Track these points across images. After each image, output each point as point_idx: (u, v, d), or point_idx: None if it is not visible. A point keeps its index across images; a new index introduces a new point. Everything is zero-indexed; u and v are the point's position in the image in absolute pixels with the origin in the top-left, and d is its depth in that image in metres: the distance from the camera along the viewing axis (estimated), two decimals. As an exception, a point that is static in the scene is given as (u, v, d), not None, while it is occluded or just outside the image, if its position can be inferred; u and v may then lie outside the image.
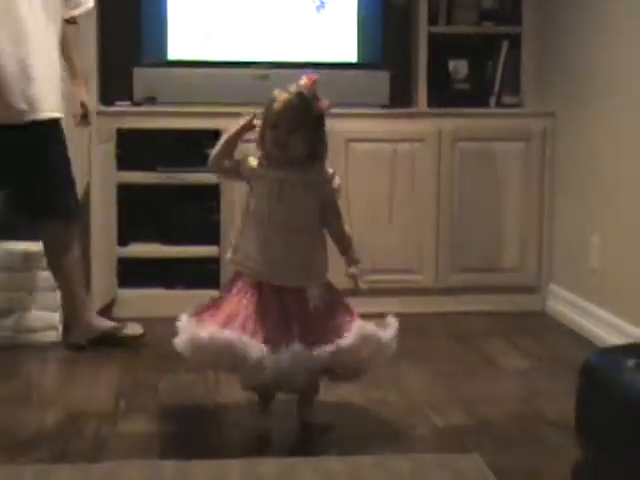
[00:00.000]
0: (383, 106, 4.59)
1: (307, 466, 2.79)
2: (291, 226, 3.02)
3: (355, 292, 3.06)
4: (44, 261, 3.93)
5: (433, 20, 4.65)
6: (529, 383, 3.61)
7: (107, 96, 4.47)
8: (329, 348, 2.93)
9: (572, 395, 2.14)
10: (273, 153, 3.01)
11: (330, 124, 4.40)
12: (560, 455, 2.84)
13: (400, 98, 4.69)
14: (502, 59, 4.74)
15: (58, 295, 3.98)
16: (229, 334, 2.89)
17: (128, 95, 4.46)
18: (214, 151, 3.09)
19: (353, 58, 4.64)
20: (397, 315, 4.35)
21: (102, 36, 4.50)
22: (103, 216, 4.16)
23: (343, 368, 2.99)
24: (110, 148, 4.27)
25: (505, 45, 4.73)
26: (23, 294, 4.00)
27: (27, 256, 4.00)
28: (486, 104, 4.74)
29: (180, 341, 2.97)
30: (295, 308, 2.98)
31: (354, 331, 2.98)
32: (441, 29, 4.69)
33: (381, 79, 4.61)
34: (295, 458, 2.85)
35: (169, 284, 4.42)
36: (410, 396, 3.43)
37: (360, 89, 4.59)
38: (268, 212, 3.00)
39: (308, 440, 3.05)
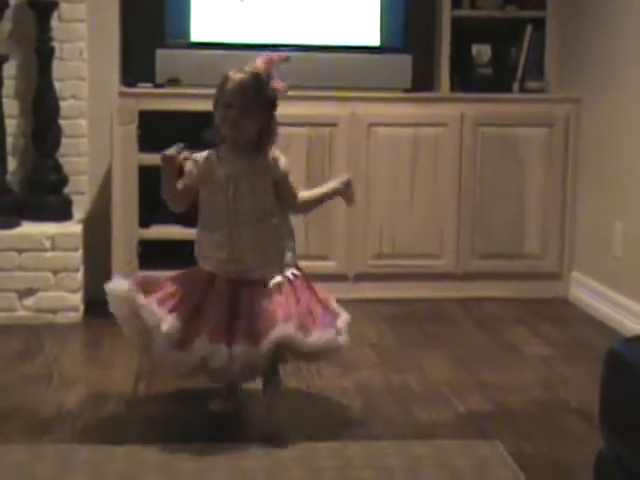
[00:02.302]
0: (405, 90, 4.56)
1: (326, 451, 2.80)
2: (258, 215, 2.99)
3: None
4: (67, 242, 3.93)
5: (457, 4, 4.62)
6: (551, 371, 3.59)
7: (129, 78, 4.47)
8: (268, 339, 2.84)
9: (595, 384, 2.12)
10: (226, 132, 2.99)
11: (352, 108, 4.46)
12: (582, 444, 2.84)
13: (422, 82, 4.66)
14: (526, 44, 4.71)
15: (80, 276, 3.99)
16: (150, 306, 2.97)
17: (150, 77, 4.45)
18: (170, 202, 3.18)
19: (376, 42, 4.61)
20: (418, 300, 4.41)
21: (125, 18, 4.49)
22: (125, 198, 4.16)
23: (296, 353, 2.93)
24: (132, 130, 4.26)
25: (529, 29, 4.70)
26: (46, 275, 4.02)
27: (51, 237, 4.02)
28: (509, 89, 4.70)
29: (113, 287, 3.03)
30: (248, 300, 2.93)
31: (292, 321, 2.88)
32: (465, 13, 4.66)
33: (403, 63, 4.58)
34: (315, 443, 2.85)
35: (190, 266, 4.41)
36: (431, 381, 3.43)
37: (382, 73, 4.57)
38: (228, 207, 2.98)
39: (327, 424, 3.05)
